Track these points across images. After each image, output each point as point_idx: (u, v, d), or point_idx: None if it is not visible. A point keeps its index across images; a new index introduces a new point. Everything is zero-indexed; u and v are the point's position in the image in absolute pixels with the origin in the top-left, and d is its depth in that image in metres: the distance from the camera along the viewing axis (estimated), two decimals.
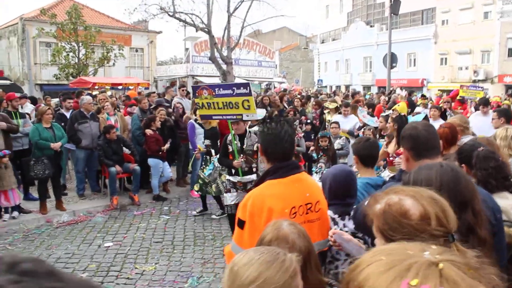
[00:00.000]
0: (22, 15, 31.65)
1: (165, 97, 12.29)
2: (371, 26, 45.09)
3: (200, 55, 30.25)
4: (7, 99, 9.09)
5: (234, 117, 6.25)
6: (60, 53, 25.18)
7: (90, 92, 15.54)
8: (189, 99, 11.90)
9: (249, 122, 8.36)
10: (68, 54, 25.40)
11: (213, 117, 6.81)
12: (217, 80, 18.93)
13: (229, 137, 6.43)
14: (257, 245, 2.05)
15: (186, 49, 32.70)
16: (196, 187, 8.18)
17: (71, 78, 25.68)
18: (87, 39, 25.30)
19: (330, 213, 3.09)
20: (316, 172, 7.81)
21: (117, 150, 8.89)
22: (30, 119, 9.80)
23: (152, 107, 10.03)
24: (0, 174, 7.78)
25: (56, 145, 8.20)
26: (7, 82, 23.53)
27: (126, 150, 9.17)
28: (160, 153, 9.02)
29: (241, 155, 6.34)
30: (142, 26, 34.62)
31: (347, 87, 43.81)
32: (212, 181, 7.89)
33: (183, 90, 11.58)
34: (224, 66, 15.56)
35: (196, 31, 15.33)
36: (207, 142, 8.41)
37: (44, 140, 8.14)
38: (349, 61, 47.80)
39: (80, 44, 25.43)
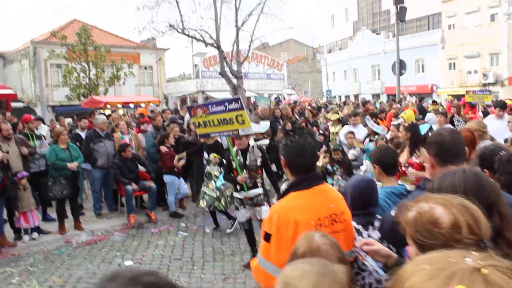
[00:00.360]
0: (33, 39, 32.15)
1: (180, 114, 12.37)
2: (377, 34, 45.12)
3: (209, 70, 30.45)
4: (23, 122, 9.21)
5: (231, 133, 6.26)
6: (71, 74, 25.51)
7: (102, 111, 15.71)
8: None
9: (253, 136, 8.38)
10: (79, 75, 25.72)
11: (211, 135, 6.74)
12: (228, 95, 19.06)
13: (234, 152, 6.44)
14: (290, 258, 2.06)
15: (195, 65, 32.94)
16: (202, 204, 8.09)
17: (82, 98, 25.97)
18: (97, 59, 25.62)
19: (353, 223, 3.08)
20: (333, 185, 7.77)
21: (132, 168, 8.94)
22: (46, 140, 9.90)
23: (166, 124, 10.10)
24: (19, 195, 7.87)
25: (72, 165, 8.27)
26: (21, 104, 23.78)
27: (141, 168, 9.23)
28: (176, 169, 9.06)
29: (245, 170, 6.31)
30: (150, 44, 34.99)
31: (356, 96, 43.76)
32: (220, 196, 7.91)
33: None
34: (234, 80, 15.64)
35: (206, 46, 15.43)
36: (212, 156, 8.32)
37: (61, 161, 8.23)
38: (357, 70, 47.79)
39: (90, 64, 25.75)
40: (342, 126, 10.43)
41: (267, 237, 2.74)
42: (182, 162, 9.14)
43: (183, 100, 23.14)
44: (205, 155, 8.60)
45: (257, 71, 32.46)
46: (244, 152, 6.39)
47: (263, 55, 33.58)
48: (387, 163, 3.70)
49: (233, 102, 6.09)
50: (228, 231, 8.19)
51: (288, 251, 2.67)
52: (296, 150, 2.77)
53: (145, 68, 36.46)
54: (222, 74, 15.46)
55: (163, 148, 9.10)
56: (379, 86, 43.45)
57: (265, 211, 6.17)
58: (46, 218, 9.01)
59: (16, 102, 28.07)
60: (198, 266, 6.71)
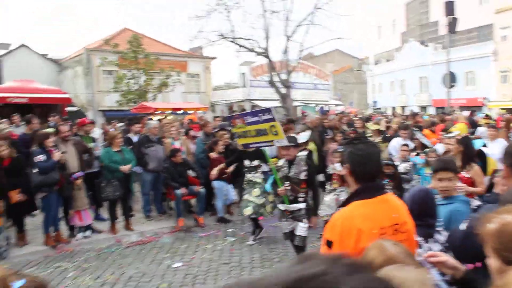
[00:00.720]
0: (86, 46, 33.38)
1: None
2: (425, 46, 44.27)
3: (256, 79, 30.69)
4: (79, 125, 9.57)
5: (267, 144, 6.24)
6: (122, 80, 26.32)
7: (151, 117, 16.10)
8: None
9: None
10: (129, 81, 26.51)
11: (250, 146, 6.65)
12: (275, 104, 19.12)
13: (279, 163, 6.32)
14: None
15: (242, 74, 33.26)
16: (247, 211, 8.02)
17: (131, 104, 26.73)
18: (147, 66, 26.33)
19: None
20: None
21: (182, 173, 9.11)
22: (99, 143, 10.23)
23: (215, 130, 10.23)
24: (74, 195, 8.18)
25: (125, 168, 8.52)
26: (74, 108, 24.69)
27: (191, 173, 9.39)
28: (225, 176, 9.16)
29: (287, 182, 6.08)
30: (197, 52, 35.63)
31: (403, 108, 42.98)
32: (266, 202, 7.93)
33: None
34: (282, 90, 15.71)
35: (257, 55, 15.59)
36: (256, 163, 8.30)
37: (114, 163, 8.49)
38: (404, 81, 46.97)
39: (141, 71, 26.49)
40: (383, 138, 10.27)
41: (329, 244, 2.75)
42: (231, 168, 9.22)
43: (230, 108, 23.56)
44: (246, 162, 8.48)
45: (304, 81, 32.45)
46: (290, 163, 6.14)
47: (310, 65, 33.61)
48: None
49: (266, 113, 6.03)
50: (250, 243, 8.08)
51: None
52: (361, 158, 2.75)
53: (192, 76, 37.11)
54: (271, 83, 15.56)
55: (213, 155, 9.22)
56: (426, 98, 42.54)
57: (301, 227, 6.04)
58: (98, 218, 9.30)
59: (69, 106, 29.23)
60: (246, 271, 6.75)
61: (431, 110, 36.12)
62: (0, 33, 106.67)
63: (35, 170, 7.70)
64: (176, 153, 9.01)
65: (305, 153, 8.61)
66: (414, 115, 16.94)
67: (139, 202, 10.73)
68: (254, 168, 8.26)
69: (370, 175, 2.78)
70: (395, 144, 9.20)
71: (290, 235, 6.29)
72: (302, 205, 6.07)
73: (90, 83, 32.32)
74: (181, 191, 8.94)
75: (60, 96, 15.85)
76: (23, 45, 34.49)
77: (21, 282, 1.22)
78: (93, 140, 9.59)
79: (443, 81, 20.69)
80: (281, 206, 6.26)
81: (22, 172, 7.76)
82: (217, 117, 12.42)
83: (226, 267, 6.97)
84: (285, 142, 5.98)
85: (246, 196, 8.14)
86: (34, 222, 9.34)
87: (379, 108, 46.11)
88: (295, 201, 6.08)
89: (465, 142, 6.17)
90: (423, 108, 41.04)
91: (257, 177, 8.20)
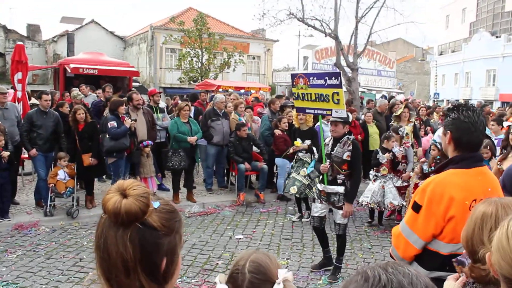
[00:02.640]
0: (152, 24, 34.13)
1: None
2: (496, 37, 42.13)
3: (320, 63, 30.36)
4: (149, 94, 9.81)
5: (324, 112, 5.78)
6: (185, 58, 26.77)
7: (213, 94, 16.28)
8: None
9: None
10: (192, 59, 26.91)
11: (306, 110, 6.21)
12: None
13: (327, 139, 5.92)
14: None
15: (304, 57, 32.99)
16: (293, 190, 7.82)
17: (192, 82, 27.19)
18: (210, 45, 26.63)
19: None
20: None
21: (246, 148, 9.16)
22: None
23: (280, 109, 10.18)
24: (142, 162, 8.41)
25: (192, 139, 8.67)
26: (136, 84, 25.43)
27: (255, 149, 9.42)
28: (289, 153, 9.13)
29: (328, 160, 5.67)
30: (259, 34, 35.63)
31: (466, 101, 41.30)
32: (312, 184, 7.60)
33: None
34: (349, 73, 15.47)
35: (325, 36, 15.36)
36: (308, 142, 8.12)
37: (182, 134, 8.65)
38: (469, 74, 45.00)
39: (204, 50, 26.82)
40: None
41: (417, 208, 2.71)
42: (294, 147, 9.15)
43: (290, 90, 23.67)
44: (298, 140, 8.22)
45: (367, 67, 31.81)
46: (336, 141, 5.68)
47: (375, 50, 32.86)
48: None
49: (333, 78, 5.54)
50: (305, 220, 7.99)
51: (436, 226, 2.61)
52: (468, 126, 2.65)
53: (253, 58, 37.24)
54: (337, 65, 15.33)
55: (277, 131, 9.20)
56: (493, 92, 40.60)
57: (340, 215, 5.58)
58: (161, 187, 9.53)
59: (133, 81, 30.16)
60: (308, 248, 6.73)
61: (497, 105, 34.49)
62: (74, 8, 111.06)
63: (106, 136, 7.99)
64: (242, 127, 9.05)
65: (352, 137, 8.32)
66: (483, 106, 16.27)
67: (200, 175, 10.94)
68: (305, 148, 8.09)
69: (474, 144, 2.69)
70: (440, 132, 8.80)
71: (320, 221, 5.83)
72: (340, 189, 5.56)
73: (153, 60, 33.08)
74: (245, 166, 9.00)
75: (128, 69, 16.31)
76: (93, 21, 35.68)
77: (157, 203, 1.24)
78: (162, 110, 9.81)
79: None
80: (319, 186, 5.81)
81: (95, 137, 8.05)
82: (280, 96, 12.36)
83: (288, 242, 6.98)
84: (345, 114, 5.55)
85: (293, 175, 7.98)
86: (101, 187, 9.74)
87: (441, 100, 44.52)
88: (334, 182, 5.62)
89: None
90: (490, 102, 39.27)
91: (307, 156, 8.04)
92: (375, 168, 7.76)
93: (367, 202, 7.59)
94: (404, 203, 7.53)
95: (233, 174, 9.64)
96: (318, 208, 5.82)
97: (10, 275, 5.50)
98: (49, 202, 7.73)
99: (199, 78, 26.79)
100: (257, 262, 1.54)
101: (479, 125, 2.64)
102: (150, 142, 8.43)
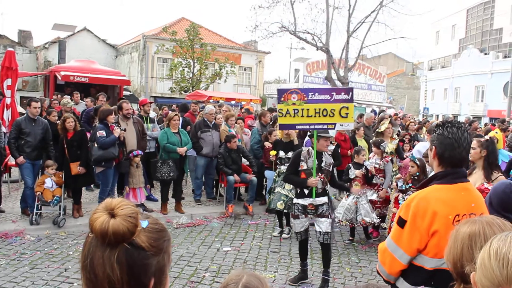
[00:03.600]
0: (144, 33, 34.17)
1: None
2: (485, 54, 42.70)
3: (311, 75, 30.55)
4: (140, 104, 9.79)
5: (325, 126, 5.71)
6: (176, 68, 26.81)
7: (204, 105, 16.29)
8: None
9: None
10: (183, 69, 26.96)
11: (297, 127, 6.05)
12: None
13: (304, 153, 5.82)
14: None
15: (295, 70, 33.16)
16: (280, 206, 7.64)
17: (183, 92, 27.22)
18: (202, 55, 26.72)
19: None
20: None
21: (236, 160, 9.15)
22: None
23: (271, 122, 10.20)
24: (131, 172, 8.37)
25: (182, 150, 8.65)
26: (127, 93, 25.40)
27: (244, 161, 9.42)
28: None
29: (319, 173, 5.70)
30: (251, 46, 35.80)
31: (455, 116, 41.68)
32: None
33: None
34: (339, 86, 15.59)
35: (317, 49, 15.47)
36: (290, 154, 7.91)
37: (172, 144, 8.62)
38: (458, 89, 45.49)
39: (196, 60, 26.89)
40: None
41: (402, 223, 2.75)
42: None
43: None
44: (281, 153, 8.13)
45: (358, 81, 32.04)
46: (320, 154, 5.79)
47: (366, 64, 33.13)
48: None
49: (343, 93, 5.64)
50: (285, 235, 7.86)
51: (421, 241, 2.64)
52: (451, 142, 2.71)
53: (245, 69, 37.41)
54: (328, 79, 15.45)
55: (267, 144, 9.21)
56: (481, 108, 41.04)
57: (328, 223, 5.68)
58: (149, 197, 9.47)
59: (124, 90, 30.12)
60: (295, 261, 6.69)
61: (485, 121, 34.86)
62: (66, 15, 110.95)
63: (95, 145, 7.94)
64: (232, 139, 9.05)
65: (332, 147, 8.02)
66: (471, 122, 16.44)
67: (189, 186, 10.90)
68: (288, 160, 7.68)
69: (456, 159, 2.73)
70: (423, 148, 8.53)
71: (305, 233, 5.90)
72: (325, 198, 5.77)
73: (144, 69, 33.07)
74: (234, 177, 8.98)
75: (119, 78, 16.29)
76: (85, 28, 35.64)
77: (146, 222, 1.23)
78: (152, 120, 9.79)
79: (504, 90, 19.91)
80: (305, 200, 5.73)
81: (83, 146, 8.00)
82: (272, 109, 12.40)
83: (276, 255, 6.96)
84: (352, 126, 5.94)
85: (278, 189, 7.76)
86: (89, 196, 9.66)
87: (431, 115, 44.90)
88: (323, 193, 5.76)
89: (489, 146, 4.94)
90: (478, 118, 39.68)
91: None
92: (347, 183, 7.55)
93: (339, 220, 7.45)
94: (376, 220, 7.46)
95: (222, 185, 9.62)
96: (302, 223, 5.81)
97: None
98: (35, 211, 7.64)
99: (190, 88, 26.82)
100: (249, 287, 1.49)
101: (463, 142, 2.68)
102: (140, 152, 8.39)
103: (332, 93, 5.72)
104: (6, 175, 9.65)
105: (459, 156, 2.71)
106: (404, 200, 6.57)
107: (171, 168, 8.49)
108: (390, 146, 8.47)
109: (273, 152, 8.35)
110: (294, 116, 5.87)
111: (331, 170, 5.92)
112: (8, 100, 9.83)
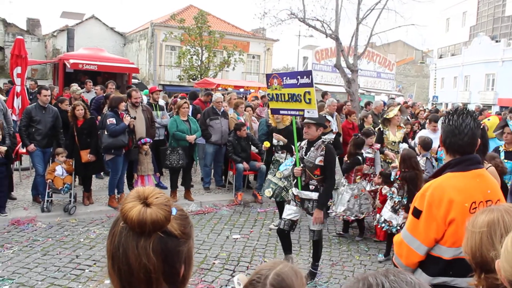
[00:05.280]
0: (152, 21, 34.09)
1: None
2: (496, 41, 42.15)
3: (320, 63, 30.35)
4: (150, 91, 9.79)
5: (297, 112, 5.57)
6: (185, 56, 26.77)
7: (212, 92, 16.28)
8: None
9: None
10: (192, 57, 26.92)
11: (280, 112, 5.99)
12: (337, 89, 18.74)
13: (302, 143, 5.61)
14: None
15: (304, 58, 33.00)
16: (268, 193, 7.34)
17: (191, 80, 27.20)
18: (210, 43, 26.64)
19: None
20: (388, 200, 6.47)
21: (245, 148, 9.15)
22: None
23: None
24: (140, 159, 8.40)
25: (191, 138, 8.66)
26: (136, 81, 25.43)
27: (253, 149, 9.41)
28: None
29: (301, 164, 5.46)
30: (260, 34, 35.63)
31: (464, 105, 41.34)
32: (289, 186, 7.06)
33: None
34: (349, 74, 15.47)
35: (326, 37, 15.35)
36: (264, 145, 8.07)
37: (181, 132, 8.63)
38: (468, 77, 45.03)
39: (204, 48, 26.83)
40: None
41: (417, 213, 2.72)
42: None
43: None
44: (274, 141, 7.86)
45: (367, 69, 31.85)
46: (310, 145, 5.44)
47: (375, 52, 32.92)
48: None
49: (305, 76, 5.36)
50: (272, 227, 7.63)
51: (438, 230, 2.62)
52: (452, 129, 2.73)
53: (253, 57, 37.25)
54: (337, 66, 15.32)
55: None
56: (491, 96, 40.64)
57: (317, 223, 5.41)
58: (158, 185, 9.49)
59: (132, 78, 30.15)
60: (305, 249, 6.72)
61: (496, 109, 34.54)
62: (74, 2, 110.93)
63: (105, 133, 7.96)
64: (241, 127, 9.04)
65: (331, 136, 7.93)
66: (482, 110, 16.28)
67: (199, 173, 10.93)
68: (281, 148, 7.68)
69: (460, 147, 2.73)
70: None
71: (290, 224, 5.58)
72: (314, 195, 5.37)
73: (152, 57, 33.05)
74: (243, 165, 8.98)
75: (128, 66, 16.28)
76: (93, 16, 35.61)
77: (175, 210, 1.23)
78: (161, 108, 9.80)
79: None
80: (294, 190, 5.60)
81: (93, 133, 8.03)
82: None
83: None
84: (316, 114, 5.33)
85: (269, 177, 7.56)
86: (99, 183, 9.72)
87: (440, 104, 44.56)
88: (307, 187, 5.42)
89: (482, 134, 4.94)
90: (488, 106, 39.32)
91: (283, 157, 7.61)
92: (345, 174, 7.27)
93: (339, 214, 7.18)
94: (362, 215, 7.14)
95: (231, 173, 9.63)
96: (292, 211, 5.58)
97: (6, 271, 5.48)
98: (46, 198, 7.70)
99: (199, 76, 26.79)
100: (281, 276, 1.44)
101: (464, 128, 2.69)
102: (148, 139, 8.41)
103: (298, 76, 5.46)
104: (17, 163, 9.72)
105: (460, 142, 2.70)
106: (387, 192, 6.50)
107: (180, 155, 8.51)
108: (398, 135, 8.10)
109: (266, 143, 8.20)
110: (277, 101, 5.82)
111: (319, 163, 5.32)
112: (18, 88, 9.87)
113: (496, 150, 5.94)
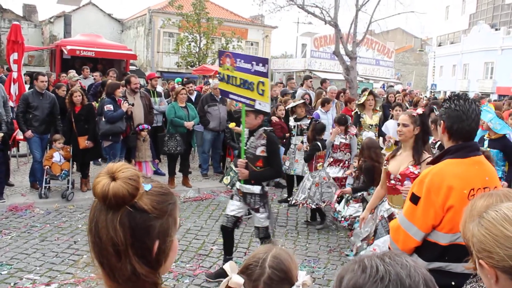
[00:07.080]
0: (150, 7, 33.86)
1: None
2: (496, 29, 41.99)
3: (318, 50, 30.22)
4: (148, 78, 9.75)
5: (248, 101, 4.88)
6: (183, 43, 26.66)
7: (210, 79, 16.24)
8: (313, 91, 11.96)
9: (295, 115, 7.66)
10: (190, 44, 26.81)
11: (230, 96, 5.30)
12: (335, 76, 18.54)
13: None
14: None
15: (303, 45, 32.84)
16: (225, 180, 7.11)
17: (189, 67, 27.11)
18: (208, 30, 26.52)
19: None
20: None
21: None
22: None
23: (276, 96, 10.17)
24: (138, 146, 8.39)
25: (189, 124, 8.64)
26: (133, 68, 25.32)
27: None
28: (284, 140, 9.10)
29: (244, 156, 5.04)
30: (258, 20, 35.43)
31: (464, 93, 41.23)
32: None
33: (310, 81, 11.67)
34: (347, 62, 15.42)
35: (325, 23, 15.28)
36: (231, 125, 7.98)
37: (179, 119, 8.61)
38: (467, 66, 44.93)
39: (202, 35, 26.70)
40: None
41: (415, 199, 2.72)
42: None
43: (289, 76, 23.92)
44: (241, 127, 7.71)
45: (366, 56, 31.68)
46: (251, 134, 5.06)
47: (374, 40, 32.74)
48: None
49: (260, 64, 4.73)
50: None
51: (436, 216, 2.62)
52: (459, 114, 2.68)
53: (251, 44, 37.10)
54: (336, 53, 15.28)
55: (274, 118, 9.17)
56: (490, 85, 40.57)
57: (260, 219, 5.02)
58: (156, 172, 9.50)
59: (130, 65, 30.03)
60: (302, 235, 6.75)
61: (494, 98, 34.54)
62: None
63: (103, 119, 7.94)
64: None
65: (307, 121, 7.91)
66: (480, 98, 16.30)
67: (197, 160, 10.92)
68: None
69: (467, 132, 2.71)
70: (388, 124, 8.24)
71: (233, 221, 5.16)
72: (256, 189, 4.98)
73: (150, 44, 32.88)
74: None
75: (126, 52, 16.19)
76: (91, 3, 35.32)
77: (149, 186, 1.23)
78: (159, 94, 9.76)
79: None
80: (237, 184, 5.20)
81: (91, 120, 8.00)
82: (279, 83, 12.35)
83: (282, 229, 7.01)
84: (268, 108, 4.81)
85: (231, 164, 7.39)
86: (97, 170, 9.70)
87: (439, 92, 44.53)
88: (248, 181, 4.99)
89: (421, 121, 4.03)
90: (487, 95, 39.30)
91: None
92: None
93: (299, 202, 7.00)
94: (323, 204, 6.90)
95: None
96: (235, 206, 5.12)
97: (4, 256, 5.49)
98: (44, 184, 7.70)
99: (197, 63, 26.70)
100: (279, 258, 1.50)
101: (471, 113, 2.66)
102: (146, 126, 8.39)
103: (253, 62, 4.82)
104: (15, 149, 9.70)
105: (468, 128, 2.68)
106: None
107: (178, 142, 8.49)
108: (374, 118, 8.22)
109: (232, 124, 8.14)
110: (228, 83, 5.20)
111: (260, 154, 4.95)
112: (14, 75, 9.80)
113: (481, 139, 5.98)
